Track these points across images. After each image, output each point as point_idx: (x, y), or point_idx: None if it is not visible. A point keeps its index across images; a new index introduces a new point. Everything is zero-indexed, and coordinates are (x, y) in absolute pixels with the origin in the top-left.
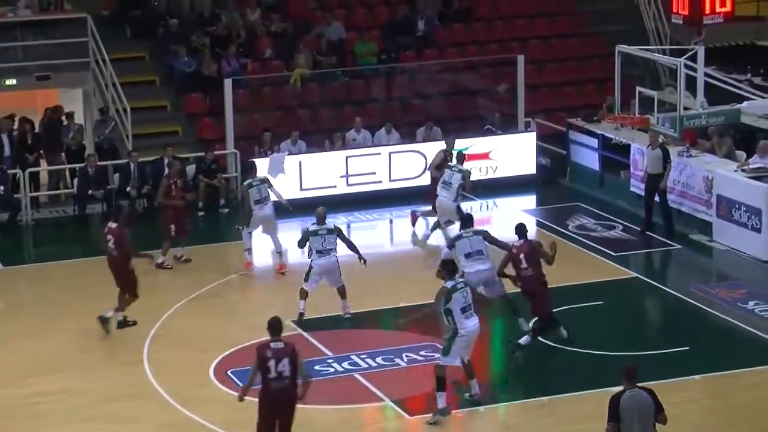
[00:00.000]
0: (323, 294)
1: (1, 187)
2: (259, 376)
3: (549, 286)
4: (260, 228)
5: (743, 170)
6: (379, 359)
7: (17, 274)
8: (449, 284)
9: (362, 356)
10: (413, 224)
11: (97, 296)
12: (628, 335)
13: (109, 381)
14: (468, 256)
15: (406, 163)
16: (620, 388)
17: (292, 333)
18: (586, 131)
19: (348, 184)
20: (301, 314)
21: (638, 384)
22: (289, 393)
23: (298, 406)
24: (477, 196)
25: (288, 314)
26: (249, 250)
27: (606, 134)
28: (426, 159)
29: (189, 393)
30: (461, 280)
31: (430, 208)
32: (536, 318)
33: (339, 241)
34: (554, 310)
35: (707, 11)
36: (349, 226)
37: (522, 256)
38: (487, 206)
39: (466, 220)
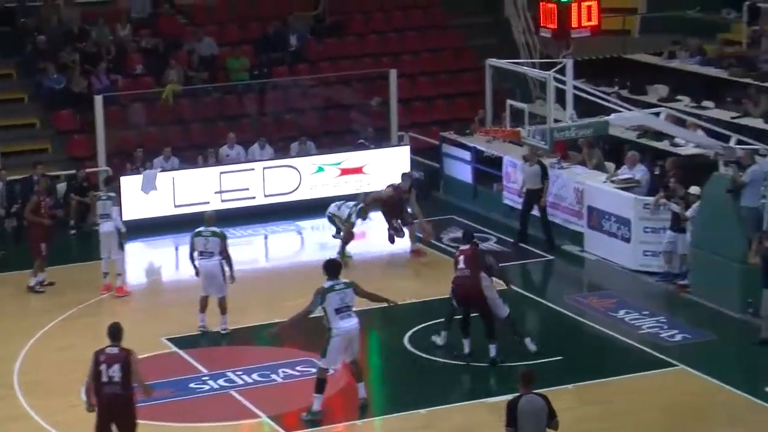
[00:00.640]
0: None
1: None
2: None
3: (429, 299)
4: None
5: (612, 181)
6: (255, 375)
7: None
8: (327, 284)
9: (238, 373)
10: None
11: None
12: (503, 346)
13: None
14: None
15: (280, 178)
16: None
17: (168, 351)
18: (459, 144)
19: (222, 200)
20: (203, 327)
21: (534, 390)
22: (123, 399)
23: (178, 424)
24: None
25: (160, 332)
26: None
27: (478, 147)
28: (300, 174)
29: (60, 415)
30: (343, 281)
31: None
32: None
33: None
34: (437, 322)
35: (574, 25)
36: None
37: (462, 257)
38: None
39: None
